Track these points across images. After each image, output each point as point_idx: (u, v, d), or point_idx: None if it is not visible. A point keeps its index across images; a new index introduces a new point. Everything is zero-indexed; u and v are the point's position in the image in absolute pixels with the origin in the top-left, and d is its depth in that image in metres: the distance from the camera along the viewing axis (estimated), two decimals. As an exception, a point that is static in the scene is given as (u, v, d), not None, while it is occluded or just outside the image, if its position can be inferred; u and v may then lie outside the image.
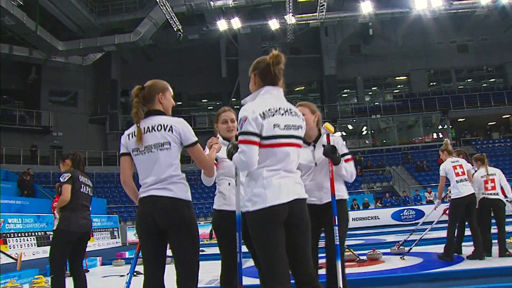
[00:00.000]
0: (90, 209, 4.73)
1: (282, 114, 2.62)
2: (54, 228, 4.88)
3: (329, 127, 3.34)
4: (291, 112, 2.68)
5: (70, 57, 26.67)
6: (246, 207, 2.60)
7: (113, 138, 30.23)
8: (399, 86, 35.61)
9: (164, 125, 2.81)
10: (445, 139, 6.75)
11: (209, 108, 36.10)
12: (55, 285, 4.19)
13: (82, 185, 4.54)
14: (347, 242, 3.91)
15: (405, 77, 34.46)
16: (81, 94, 30.21)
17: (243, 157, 2.54)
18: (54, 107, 28.81)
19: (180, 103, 34.93)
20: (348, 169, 3.40)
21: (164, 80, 3.06)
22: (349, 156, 3.49)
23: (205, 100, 36.37)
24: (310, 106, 3.52)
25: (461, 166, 6.53)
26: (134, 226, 16.23)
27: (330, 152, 3.23)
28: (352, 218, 15.02)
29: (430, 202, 21.74)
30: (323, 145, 3.35)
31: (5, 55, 23.53)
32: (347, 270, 3.72)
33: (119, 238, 19.98)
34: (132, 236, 20.01)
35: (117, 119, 30.50)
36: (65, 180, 4.42)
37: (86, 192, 4.60)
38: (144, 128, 2.83)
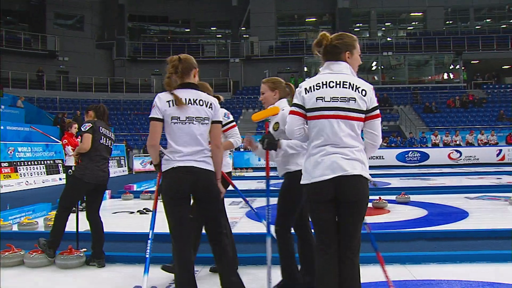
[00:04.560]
0: (109, 161, 4.82)
1: (332, 87, 2.62)
2: (70, 171, 5.26)
3: (270, 112, 3.32)
4: (344, 85, 2.63)
5: (77, -22, 25.81)
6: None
7: (120, 64, 29.93)
8: (413, 23, 34.51)
9: (206, 102, 3.13)
10: None
11: (217, 36, 35.31)
12: (56, 223, 4.41)
13: (102, 137, 4.62)
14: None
15: (421, 14, 33.29)
16: (88, 18, 29.50)
17: (286, 126, 2.76)
18: (60, 31, 28.24)
19: (188, 30, 34.11)
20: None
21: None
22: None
23: (214, 28, 35.47)
24: (270, 83, 3.58)
25: None
26: (144, 159, 16.14)
27: (266, 145, 3.19)
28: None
29: (435, 145, 21.85)
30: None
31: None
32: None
33: (125, 166, 20.29)
34: (138, 164, 20.31)
35: (124, 45, 30.02)
36: (86, 129, 4.54)
37: (106, 144, 4.67)
38: (186, 99, 3.04)
